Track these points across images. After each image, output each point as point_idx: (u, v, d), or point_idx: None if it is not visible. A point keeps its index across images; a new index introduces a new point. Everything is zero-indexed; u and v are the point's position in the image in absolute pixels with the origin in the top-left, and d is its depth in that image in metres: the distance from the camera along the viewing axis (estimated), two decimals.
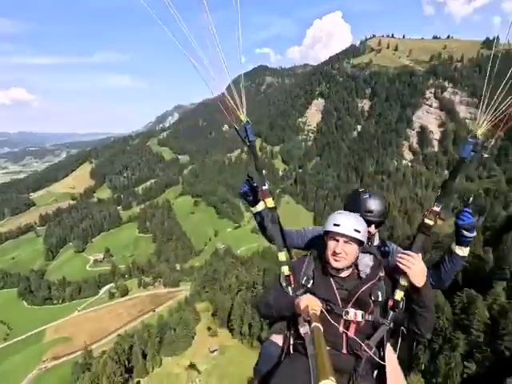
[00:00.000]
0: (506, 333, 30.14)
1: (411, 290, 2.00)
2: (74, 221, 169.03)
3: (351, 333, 2.04)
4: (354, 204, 2.47)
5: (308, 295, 2.02)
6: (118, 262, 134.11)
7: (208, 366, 57.80)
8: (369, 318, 2.06)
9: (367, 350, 1.99)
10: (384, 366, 2.05)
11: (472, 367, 31.34)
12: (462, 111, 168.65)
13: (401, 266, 1.99)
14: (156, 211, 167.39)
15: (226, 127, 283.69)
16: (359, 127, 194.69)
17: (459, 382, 30.27)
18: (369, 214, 2.37)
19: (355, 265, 2.13)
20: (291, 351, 2.13)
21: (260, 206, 2.51)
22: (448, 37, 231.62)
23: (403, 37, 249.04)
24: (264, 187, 2.34)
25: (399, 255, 2.03)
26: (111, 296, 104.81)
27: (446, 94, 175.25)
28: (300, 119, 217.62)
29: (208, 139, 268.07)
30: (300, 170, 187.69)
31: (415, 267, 1.94)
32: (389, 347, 2.21)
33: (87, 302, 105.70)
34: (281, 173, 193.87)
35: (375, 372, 2.13)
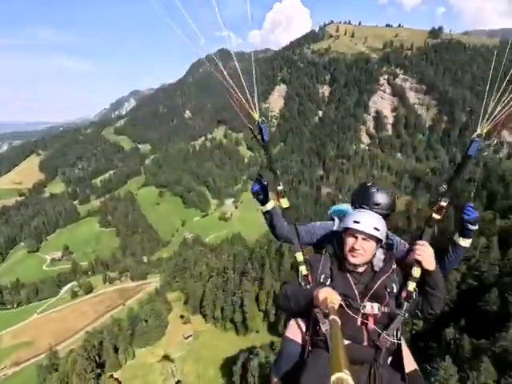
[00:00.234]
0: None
1: (424, 275, 2.12)
2: (23, 218, 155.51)
3: (370, 325, 2.10)
4: (362, 197, 2.54)
5: (327, 288, 2.03)
6: (78, 259, 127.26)
7: (183, 352, 58.62)
8: (385, 309, 2.13)
9: (389, 339, 2.08)
10: (399, 353, 2.15)
11: (419, 324, 35.99)
12: (412, 97, 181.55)
13: (416, 256, 2.11)
14: (118, 204, 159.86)
15: (188, 113, 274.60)
16: (320, 113, 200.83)
17: (408, 338, 34.58)
18: (376, 207, 2.45)
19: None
20: (312, 348, 2.16)
21: (270, 205, 2.51)
22: (399, 25, 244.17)
23: (359, 23, 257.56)
24: (279, 187, 2.34)
25: (416, 247, 2.14)
26: (74, 295, 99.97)
27: (398, 81, 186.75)
28: (264, 105, 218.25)
29: (170, 127, 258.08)
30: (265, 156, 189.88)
31: (426, 254, 2.09)
32: None
33: (47, 303, 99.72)
34: (246, 160, 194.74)
35: (389, 359, 2.21)
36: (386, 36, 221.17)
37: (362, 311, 2.11)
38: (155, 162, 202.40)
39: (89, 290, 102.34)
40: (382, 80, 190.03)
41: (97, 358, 54.00)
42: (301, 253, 2.36)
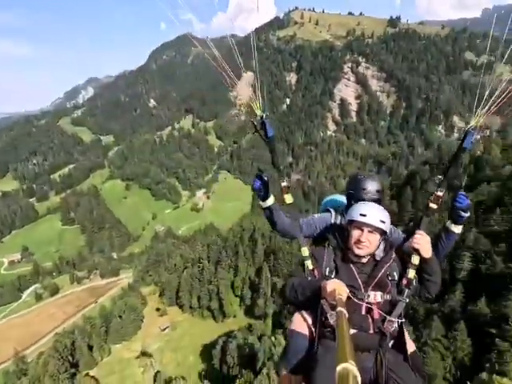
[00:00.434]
0: None
1: (421, 262, 2.19)
2: None
3: (375, 313, 2.17)
4: (352, 184, 2.66)
5: (335, 280, 2.06)
6: (40, 260, 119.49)
7: (161, 344, 58.60)
8: (387, 297, 2.20)
9: (394, 324, 2.18)
10: (402, 337, 2.25)
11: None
12: (374, 85, 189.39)
13: (414, 244, 2.18)
14: (81, 199, 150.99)
15: (152, 102, 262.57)
16: (288, 100, 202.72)
17: None
18: (364, 191, 2.55)
19: None
20: (320, 340, 2.19)
21: (270, 201, 2.50)
22: (360, 14, 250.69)
23: (323, 11, 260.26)
24: (283, 183, 2.37)
25: (415, 236, 2.21)
26: (38, 297, 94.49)
27: (361, 69, 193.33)
28: (231, 93, 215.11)
29: (133, 117, 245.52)
30: (235, 145, 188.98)
31: (423, 242, 2.16)
32: None
33: (8, 308, 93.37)
34: (216, 149, 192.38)
35: (391, 343, 2.29)
36: (349, 24, 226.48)
37: (366, 300, 2.16)
38: (119, 154, 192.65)
39: (54, 291, 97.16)
40: (346, 68, 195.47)
41: (70, 358, 52.20)
42: (306, 247, 2.39)
